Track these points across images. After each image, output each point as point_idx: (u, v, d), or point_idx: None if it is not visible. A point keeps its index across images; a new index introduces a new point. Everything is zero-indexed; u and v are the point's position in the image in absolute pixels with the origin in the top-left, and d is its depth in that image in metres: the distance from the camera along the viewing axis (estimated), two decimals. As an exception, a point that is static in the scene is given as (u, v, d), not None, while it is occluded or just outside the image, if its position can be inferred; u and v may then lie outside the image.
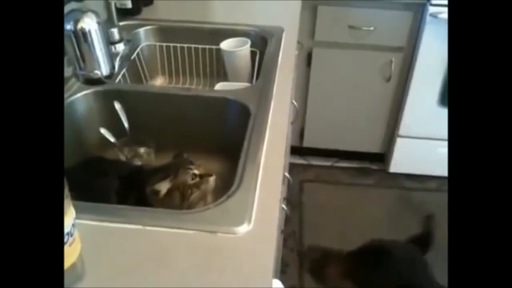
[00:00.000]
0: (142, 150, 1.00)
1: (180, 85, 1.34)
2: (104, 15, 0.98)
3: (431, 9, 1.70)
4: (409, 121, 1.98)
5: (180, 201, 0.80)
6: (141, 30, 1.30)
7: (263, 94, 0.97)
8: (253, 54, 1.23)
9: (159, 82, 1.35)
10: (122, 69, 1.14)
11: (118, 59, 0.98)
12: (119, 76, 1.12)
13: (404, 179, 2.15)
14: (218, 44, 1.22)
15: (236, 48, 1.19)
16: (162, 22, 1.33)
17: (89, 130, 1.01)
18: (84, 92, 0.99)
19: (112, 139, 0.97)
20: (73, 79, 0.98)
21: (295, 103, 1.39)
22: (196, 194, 0.81)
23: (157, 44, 1.31)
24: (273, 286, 0.63)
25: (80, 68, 0.85)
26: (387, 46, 1.84)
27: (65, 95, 0.97)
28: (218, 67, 1.31)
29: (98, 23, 0.83)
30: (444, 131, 1.98)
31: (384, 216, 1.96)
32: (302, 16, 1.59)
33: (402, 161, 2.12)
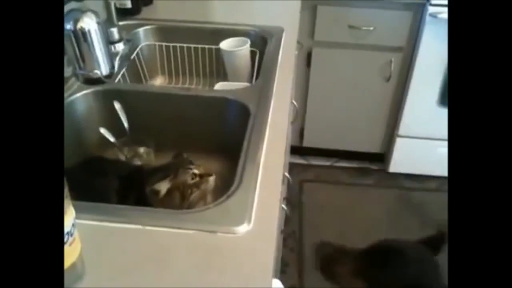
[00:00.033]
0: (141, 150, 1.00)
1: (179, 85, 1.34)
2: (103, 15, 0.98)
3: (431, 9, 1.70)
4: (408, 121, 1.98)
5: (180, 201, 0.80)
6: (141, 30, 1.30)
7: (263, 94, 0.97)
8: (253, 54, 1.23)
9: (158, 82, 1.35)
10: (122, 69, 1.14)
11: (117, 59, 0.98)
12: (119, 76, 1.12)
13: (404, 179, 2.15)
14: (217, 44, 1.22)
15: (236, 48, 1.19)
16: (161, 22, 1.33)
17: (88, 130, 1.01)
18: (84, 91, 0.99)
19: (111, 139, 0.97)
20: (73, 79, 0.98)
21: (295, 103, 1.39)
22: (196, 194, 0.81)
23: (157, 44, 1.31)
24: (273, 286, 0.63)
25: (80, 68, 0.85)
26: (387, 46, 1.84)
27: (65, 95, 0.97)
28: (218, 67, 1.31)
29: (98, 23, 0.83)
30: (443, 131, 1.98)
31: (384, 216, 1.96)
32: (302, 16, 1.60)
33: (402, 161, 2.12)
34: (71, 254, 0.53)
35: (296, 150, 2.21)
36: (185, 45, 1.29)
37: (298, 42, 1.55)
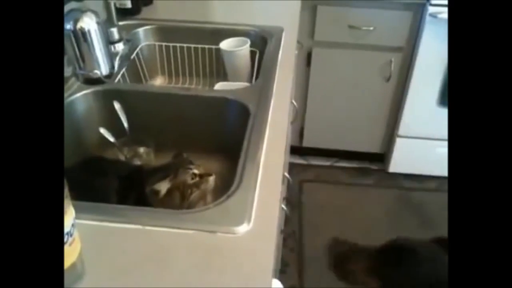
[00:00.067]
0: (141, 150, 1.00)
1: (179, 85, 1.34)
2: (103, 15, 0.98)
3: (431, 9, 1.70)
4: (408, 121, 1.98)
5: (180, 201, 0.80)
6: (141, 30, 1.30)
7: (263, 94, 0.97)
8: (252, 54, 1.23)
9: (158, 82, 1.35)
10: (122, 68, 1.14)
11: (117, 58, 0.98)
12: (119, 76, 1.12)
13: (404, 179, 2.15)
14: (217, 44, 1.22)
15: (235, 48, 1.19)
16: (161, 22, 1.33)
17: (88, 130, 1.01)
18: (84, 91, 0.99)
19: (111, 139, 0.97)
20: (73, 79, 0.98)
21: (294, 103, 1.39)
22: (196, 194, 0.81)
23: (157, 43, 1.31)
24: (272, 286, 0.63)
25: (80, 68, 0.85)
26: (386, 46, 1.84)
27: (65, 95, 0.97)
28: (218, 67, 1.31)
29: (98, 22, 0.83)
30: (443, 131, 1.99)
31: (384, 216, 1.96)
32: (302, 16, 1.60)
33: (402, 161, 2.12)
34: (71, 254, 0.53)
35: (296, 150, 2.21)
36: (185, 45, 1.29)
37: (298, 42, 1.55)
